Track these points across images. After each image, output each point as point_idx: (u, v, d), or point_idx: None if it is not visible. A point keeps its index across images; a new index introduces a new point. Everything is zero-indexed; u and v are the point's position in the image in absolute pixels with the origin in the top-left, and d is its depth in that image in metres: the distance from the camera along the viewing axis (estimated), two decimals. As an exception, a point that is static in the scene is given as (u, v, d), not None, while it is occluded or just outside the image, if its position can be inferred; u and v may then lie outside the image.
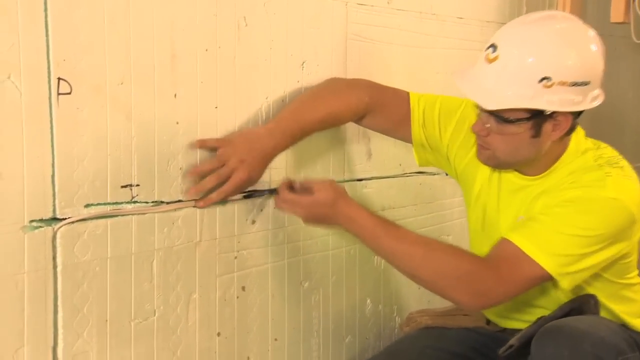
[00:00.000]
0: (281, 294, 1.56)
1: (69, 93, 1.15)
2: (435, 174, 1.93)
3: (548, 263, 1.32)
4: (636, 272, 1.50)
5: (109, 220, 1.23)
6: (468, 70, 1.41)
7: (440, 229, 1.98)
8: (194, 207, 1.35)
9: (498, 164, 1.44)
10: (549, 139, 1.37)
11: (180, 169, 1.33)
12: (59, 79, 1.14)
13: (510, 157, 1.40)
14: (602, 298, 1.45)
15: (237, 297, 1.46)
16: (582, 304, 1.42)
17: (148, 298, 1.30)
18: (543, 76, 1.30)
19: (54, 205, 1.16)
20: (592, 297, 1.43)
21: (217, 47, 1.36)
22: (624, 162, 1.42)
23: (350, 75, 1.64)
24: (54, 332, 1.18)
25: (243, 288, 1.47)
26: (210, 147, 1.35)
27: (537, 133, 1.35)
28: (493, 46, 1.35)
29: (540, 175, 1.43)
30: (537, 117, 1.33)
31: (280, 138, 1.40)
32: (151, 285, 1.30)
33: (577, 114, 1.37)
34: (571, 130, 1.39)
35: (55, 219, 1.16)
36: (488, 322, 1.61)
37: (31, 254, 1.13)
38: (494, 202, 1.50)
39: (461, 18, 1.95)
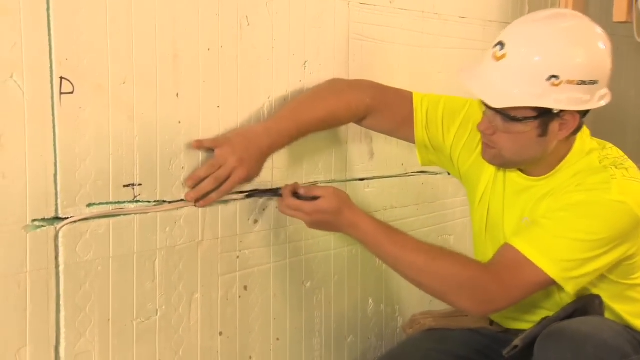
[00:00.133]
0: (283, 294, 1.56)
1: (72, 92, 1.15)
2: (437, 174, 1.93)
3: (551, 268, 1.31)
4: None
5: (111, 220, 1.23)
6: (475, 67, 1.39)
7: (442, 229, 1.98)
8: (195, 206, 1.35)
9: (503, 163, 1.43)
10: (556, 138, 1.36)
11: (183, 168, 1.33)
12: (61, 78, 1.14)
13: (516, 156, 1.39)
14: (607, 299, 1.44)
15: (239, 297, 1.46)
16: (587, 304, 1.41)
17: (150, 297, 1.30)
18: (551, 74, 1.29)
19: (56, 205, 1.16)
20: (596, 298, 1.42)
21: (219, 47, 1.36)
22: (630, 163, 1.40)
23: (353, 74, 1.64)
24: (56, 332, 1.18)
25: (245, 287, 1.47)
26: (208, 147, 1.34)
27: (543, 132, 1.34)
28: (501, 44, 1.33)
29: (545, 176, 1.42)
30: (544, 115, 1.32)
31: (277, 137, 1.39)
32: (153, 285, 1.30)
33: (584, 113, 1.36)
34: (578, 129, 1.38)
35: (57, 219, 1.16)
36: (491, 322, 1.60)
37: (33, 254, 1.13)
38: (499, 202, 1.49)
39: (464, 17, 1.95)
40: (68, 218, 1.17)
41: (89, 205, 1.20)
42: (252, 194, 1.44)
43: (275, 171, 1.50)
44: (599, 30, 1.36)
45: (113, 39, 1.20)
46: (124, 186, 1.24)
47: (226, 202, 1.41)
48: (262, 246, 1.50)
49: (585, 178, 1.36)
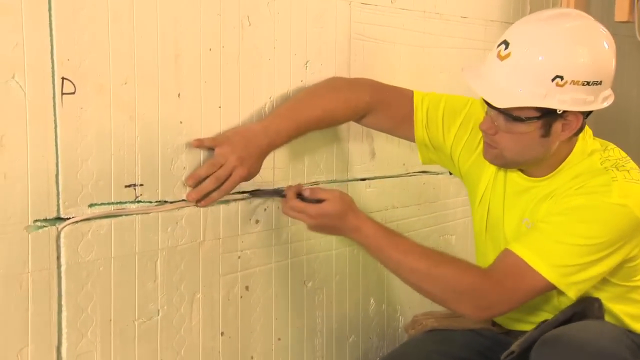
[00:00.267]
0: (285, 294, 1.56)
1: (73, 93, 1.15)
2: (438, 174, 1.93)
3: (551, 274, 1.31)
4: None
5: (113, 220, 1.23)
6: (478, 66, 1.39)
7: (444, 229, 1.98)
8: (196, 206, 1.35)
9: (505, 163, 1.43)
10: (558, 138, 1.35)
11: (184, 168, 1.33)
12: (63, 78, 1.14)
13: (518, 157, 1.39)
14: (607, 300, 1.43)
15: (241, 297, 1.46)
16: (586, 308, 1.40)
17: (152, 298, 1.30)
18: (556, 75, 1.28)
19: (58, 205, 1.16)
20: (596, 301, 1.41)
21: (220, 47, 1.36)
22: (632, 165, 1.39)
23: (354, 74, 1.64)
24: (58, 332, 1.18)
25: (247, 287, 1.47)
26: (207, 146, 1.34)
27: (546, 132, 1.33)
28: (505, 43, 1.32)
29: (546, 177, 1.41)
30: (547, 116, 1.32)
31: (275, 136, 1.39)
32: (155, 285, 1.30)
33: (587, 114, 1.36)
34: (580, 130, 1.37)
35: (59, 219, 1.16)
36: (494, 323, 1.60)
37: (35, 254, 1.13)
38: (499, 203, 1.49)
39: (465, 17, 1.95)
40: (70, 218, 1.17)
41: (91, 205, 1.20)
42: (255, 193, 1.44)
43: (277, 171, 1.50)
44: (603, 30, 1.35)
45: (114, 39, 1.20)
46: (126, 186, 1.24)
47: (227, 202, 1.41)
48: (263, 246, 1.50)
49: (586, 180, 1.36)
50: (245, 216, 1.45)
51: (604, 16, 2.40)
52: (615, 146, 1.44)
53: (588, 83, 1.30)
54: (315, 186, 1.51)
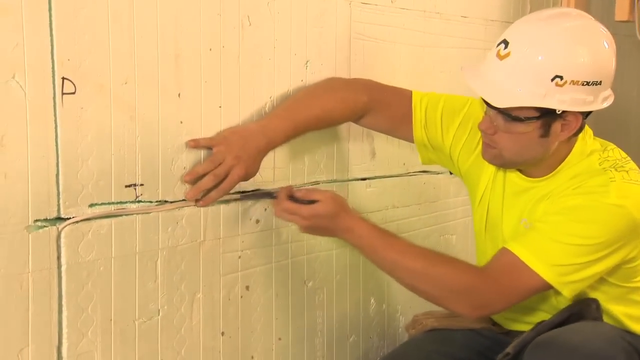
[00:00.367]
0: (285, 294, 1.56)
1: (73, 93, 1.15)
2: (439, 173, 1.93)
3: (547, 273, 1.30)
4: None
5: (113, 220, 1.23)
6: (478, 65, 1.38)
7: (444, 228, 1.98)
8: (195, 206, 1.35)
9: (503, 163, 1.42)
10: (557, 139, 1.35)
11: (184, 168, 1.33)
12: (63, 78, 1.14)
13: (517, 157, 1.38)
14: (606, 301, 1.42)
15: (241, 297, 1.46)
16: (583, 309, 1.40)
17: (152, 297, 1.30)
18: (555, 74, 1.27)
19: (58, 205, 1.16)
20: (593, 302, 1.41)
21: (220, 47, 1.36)
22: (631, 165, 1.38)
23: (354, 74, 1.64)
24: (58, 332, 1.18)
25: (247, 287, 1.47)
26: (204, 146, 1.34)
27: (545, 132, 1.33)
28: (505, 42, 1.32)
29: (545, 177, 1.41)
30: (547, 116, 1.31)
31: (273, 135, 1.38)
32: (155, 285, 1.30)
33: (587, 114, 1.35)
34: (579, 130, 1.37)
35: (59, 219, 1.16)
36: (494, 323, 1.60)
37: (35, 254, 1.13)
38: (498, 203, 1.48)
39: (465, 17, 1.95)
40: (70, 218, 1.17)
41: (91, 205, 1.20)
42: (247, 195, 1.42)
43: (277, 171, 1.50)
44: (603, 30, 1.34)
45: (115, 39, 1.20)
46: (126, 186, 1.25)
47: (228, 202, 1.41)
48: (263, 246, 1.50)
49: (584, 180, 1.35)
50: (245, 216, 1.45)
51: (604, 15, 2.40)
52: (615, 146, 1.43)
53: (588, 83, 1.29)
54: (306, 187, 1.50)
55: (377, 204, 1.75)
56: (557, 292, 1.37)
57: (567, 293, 1.33)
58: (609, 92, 1.35)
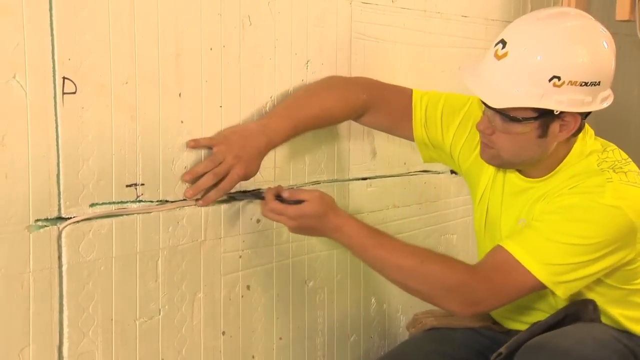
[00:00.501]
0: (286, 293, 1.56)
1: (74, 92, 1.16)
2: (440, 173, 1.93)
3: (541, 272, 1.29)
4: None
5: (114, 220, 1.23)
6: (475, 65, 1.37)
7: (445, 228, 1.98)
8: (195, 205, 1.34)
9: (502, 164, 1.42)
10: (556, 139, 1.34)
11: (185, 168, 1.33)
12: (64, 78, 1.14)
13: (515, 157, 1.37)
14: (606, 303, 1.42)
15: (242, 296, 1.46)
16: (579, 310, 1.39)
17: (153, 297, 1.30)
18: (553, 75, 1.26)
19: (59, 205, 1.16)
20: (590, 303, 1.40)
21: (221, 46, 1.36)
22: (630, 167, 1.37)
23: (355, 74, 1.64)
24: (59, 331, 1.18)
25: (248, 287, 1.47)
26: (204, 146, 1.33)
27: (543, 133, 1.32)
28: (502, 42, 1.31)
29: (543, 178, 1.40)
30: (544, 116, 1.30)
31: (273, 135, 1.38)
32: (156, 284, 1.30)
33: (586, 114, 1.34)
34: (578, 131, 1.36)
35: (60, 218, 1.16)
36: (495, 321, 1.59)
37: (36, 253, 1.13)
38: (497, 202, 1.48)
39: (466, 16, 1.95)
40: (71, 218, 1.17)
41: (92, 205, 1.20)
42: (233, 196, 1.41)
43: (277, 170, 1.50)
44: (603, 30, 1.33)
45: (115, 38, 1.20)
46: (127, 186, 1.25)
47: (228, 201, 1.41)
48: (264, 245, 1.50)
49: (581, 181, 1.34)
50: (246, 215, 1.45)
51: (605, 15, 2.40)
52: (616, 147, 1.42)
53: (586, 84, 1.28)
54: (294, 188, 1.48)
55: (378, 204, 1.75)
56: (553, 293, 1.35)
57: (561, 293, 1.32)
58: (608, 92, 1.34)
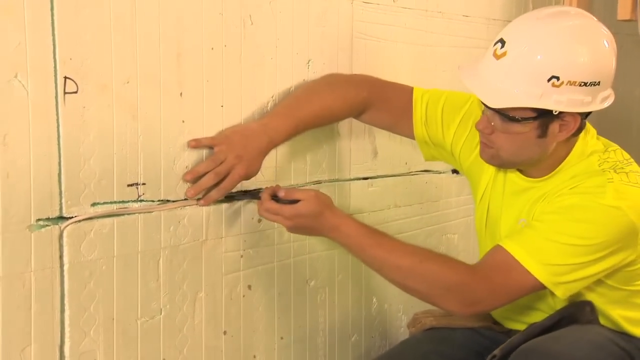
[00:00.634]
0: (287, 293, 1.56)
1: (75, 92, 1.16)
2: (441, 172, 1.93)
3: (540, 272, 1.28)
4: None
5: (115, 219, 1.23)
6: (475, 65, 1.36)
7: (446, 228, 1.98)
8: (197, 205, 1.34)
9: (501, 163, 1.41)
10: (555, 139, 1.34)
11: (186, 167, 1.33)
12: (65, 77, 1.14)
13: (515, 157, 1.37)
14: (606, 304, 1.41)
15: (243, 296, 1.46)
16: (576, 311, 1.38)
17: (154, 297, 1.30)
18: (552, 75, 1.26)
19: (60, 204, 1.16)
20: (587, 304, 1.39)
21: (222, 46, 1.36)
22: (632, 167, 1.36)
23: (356, 73, 1.64)
24: (60, 331, 1.18)
25: (249, 287, 1.47)
26: (206, 145, 1.33)
27: (543, 133, 1.32)
28: (501, 41, 1.30)
29: (544, 177, 1.40)
30: (544, 116, 1.30)
31: (274, 134, 1.37)
32: (157, 284, 1.30)
33: (586, 114, 1.34)
34: (579, 131, 1.35)
35: (61, 218, 1.16)
36: (495, 321, 1.59)
37: (38, 253, 1.13)
38: (498, 202, 1.48)
39: (467, 16, 1.95)
40: (72, 217, 1.17)
41: (93, 204, 1.20)
42: (234, 196, 1.40)
43: (278, 170, 1.50)
44: (603, 29, 1.32)
45: (117, 38, 1.20)
46: (128, 185, 1.25)
47: (229, 201, 1.41)
48: (266, 245, 1.50)
49: (582, 181, 1.33)
50: (247, 215, 1.45)
51: (607, 14, 2.39)
52: (618, 147, 1.41)
53: (585, 84, 1.27)
54: (291, 187, 1.48)
55: (379, 204, 1.75)
56: (552, 293, 1.34)
57: (560, 294, 1.31)
58: (608, 92, 1.33)
